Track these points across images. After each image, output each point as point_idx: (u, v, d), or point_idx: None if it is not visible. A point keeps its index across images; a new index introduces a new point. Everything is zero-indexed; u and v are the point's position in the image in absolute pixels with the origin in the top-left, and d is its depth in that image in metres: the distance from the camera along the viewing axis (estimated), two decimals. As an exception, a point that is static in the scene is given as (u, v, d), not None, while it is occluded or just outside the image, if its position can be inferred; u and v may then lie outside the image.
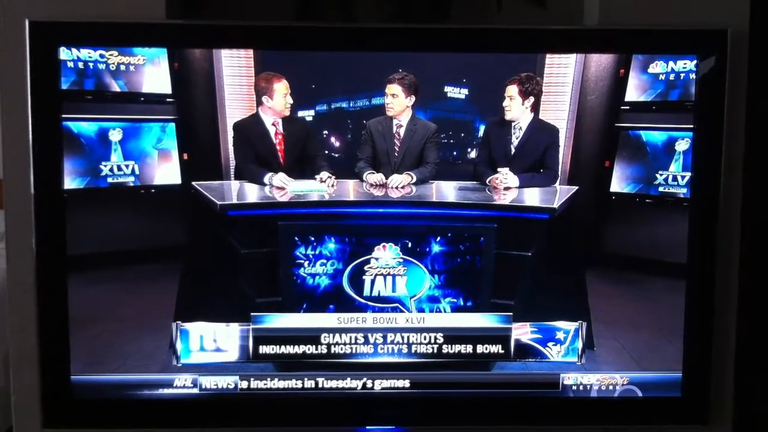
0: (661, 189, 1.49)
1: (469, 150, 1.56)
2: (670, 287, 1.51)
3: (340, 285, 1.50)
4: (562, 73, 1.51)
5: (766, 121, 1.57)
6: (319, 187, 1.52)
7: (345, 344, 1.50)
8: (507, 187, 1.54)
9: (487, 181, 1.55)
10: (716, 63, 1.45)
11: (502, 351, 1.52)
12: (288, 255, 1.50)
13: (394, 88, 1.51)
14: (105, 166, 1.44)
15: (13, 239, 1.46)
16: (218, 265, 1.51)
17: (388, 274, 1.50)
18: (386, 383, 1.51)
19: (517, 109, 1.53)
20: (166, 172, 1.47)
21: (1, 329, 1.52)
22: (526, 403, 1.54)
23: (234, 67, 1.46)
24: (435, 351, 1.51)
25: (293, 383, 1.50)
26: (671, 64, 1.46)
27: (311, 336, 1.50)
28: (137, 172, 1.45)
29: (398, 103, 1.53)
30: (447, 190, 1.56)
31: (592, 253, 1.54)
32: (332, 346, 1.50)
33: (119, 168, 1.44)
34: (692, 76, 1.46)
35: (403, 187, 1.56)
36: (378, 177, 1.55)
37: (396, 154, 1.58)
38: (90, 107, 1.42)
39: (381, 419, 1.52)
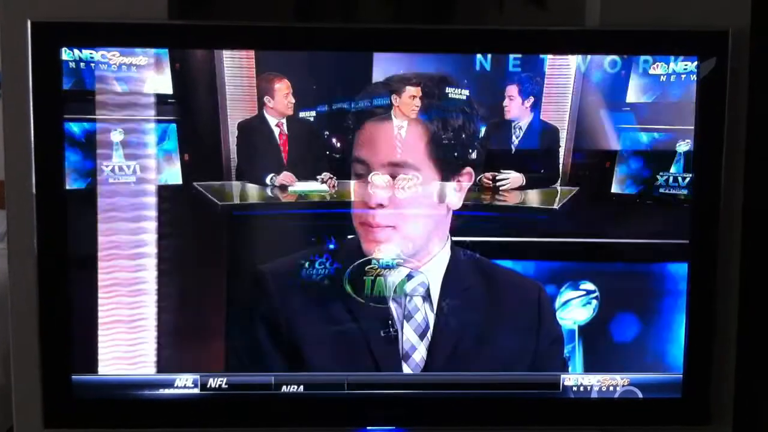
0: (661, 190, 1.49)
1: (470, 151, 1.55)
2: (670, 288, 1.51)
3: (341, 285, 1.50)
4: (563, 74, 1.50)
5: (767, 122, 1.57)
6: (320, 188, 1.51)
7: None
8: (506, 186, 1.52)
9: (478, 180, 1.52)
10: (717, 64, 1.45)
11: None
12: (289, 255, 1.50)
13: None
14: (106, 166, 1.44)
15: (14, 239, 1.46)
16: (219, 265, 1.51)
17: (389, 274, 1.50)
18: (385, 383, 1.51)
19: (516, 109, 1.53)
20: (168, 172, 1.47)
21: (2, 328, 1.53)
22: (527, 404, 1.54)
23: (235, 67, 1.46)
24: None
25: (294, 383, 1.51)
26: (672, 65, 1.46)
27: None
28: (138, 172, 1.45)
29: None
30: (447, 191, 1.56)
31: (592, 255, 1.53)
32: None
33: (120, 168, 1.45)
34: (693, 77, 1.46)
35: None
36: (386, 179, 1.54)
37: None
38: (91, 108, 1.42)
39: (380, 419, 1.52)
